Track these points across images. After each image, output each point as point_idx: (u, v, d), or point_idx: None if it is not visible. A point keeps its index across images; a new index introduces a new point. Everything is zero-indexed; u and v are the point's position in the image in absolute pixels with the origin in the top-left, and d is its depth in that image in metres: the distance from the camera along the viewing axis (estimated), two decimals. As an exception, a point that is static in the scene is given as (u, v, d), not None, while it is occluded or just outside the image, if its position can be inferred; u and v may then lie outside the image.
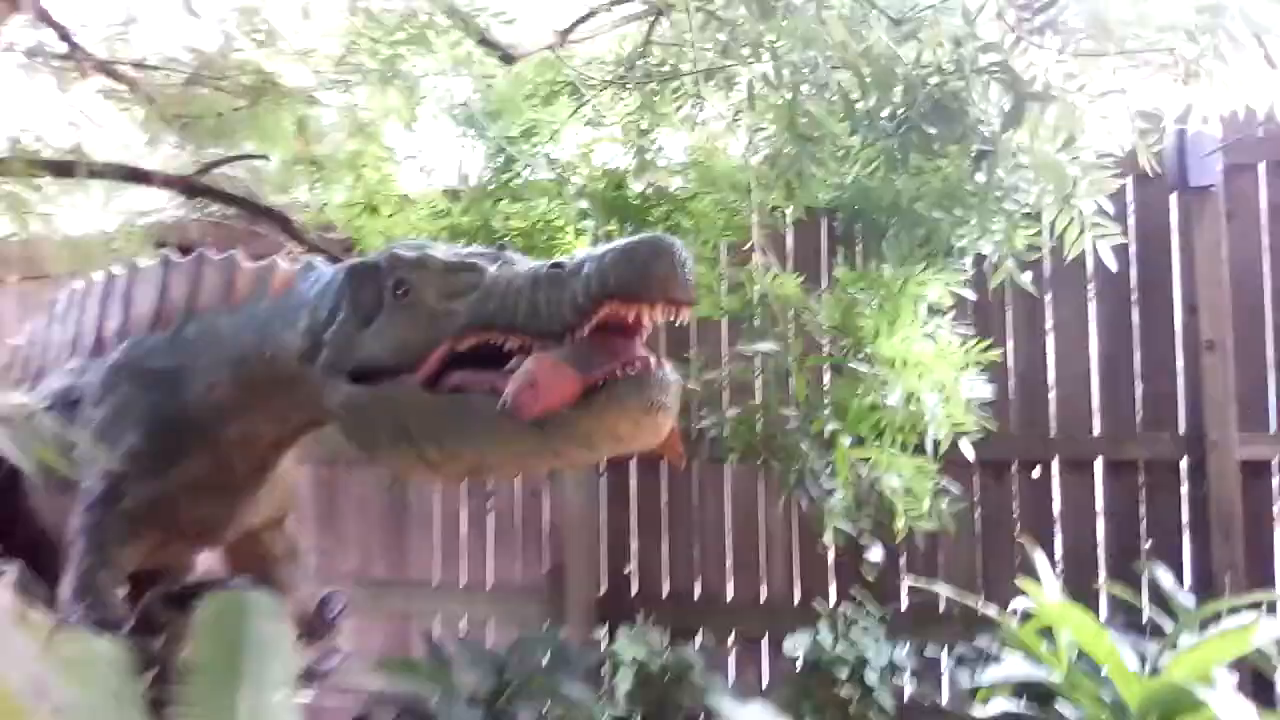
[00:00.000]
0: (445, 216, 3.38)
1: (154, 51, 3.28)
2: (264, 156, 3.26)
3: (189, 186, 3.14)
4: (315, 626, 2.51)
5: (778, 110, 2.19)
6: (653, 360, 1.61)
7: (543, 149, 3.29)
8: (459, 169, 3.38)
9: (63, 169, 2.62)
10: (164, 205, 4.37)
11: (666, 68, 3.15)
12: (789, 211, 3.13)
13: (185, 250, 4.57)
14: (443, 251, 1.91)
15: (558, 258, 1.70)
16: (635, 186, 3.30)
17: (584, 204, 3.29)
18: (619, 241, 1.59)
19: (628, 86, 3.19)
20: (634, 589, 4.37)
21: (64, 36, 3.12)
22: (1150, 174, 2.21)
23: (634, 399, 1.55)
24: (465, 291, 1.77)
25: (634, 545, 4.40)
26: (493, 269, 1.77)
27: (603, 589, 4.40)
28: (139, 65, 3.24)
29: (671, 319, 1.56)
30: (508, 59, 2.79)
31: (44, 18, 2.87)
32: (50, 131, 3.13)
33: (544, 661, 4.00)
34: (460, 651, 3.98)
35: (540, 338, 1.61)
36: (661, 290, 1.51)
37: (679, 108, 3.18)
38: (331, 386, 1.93)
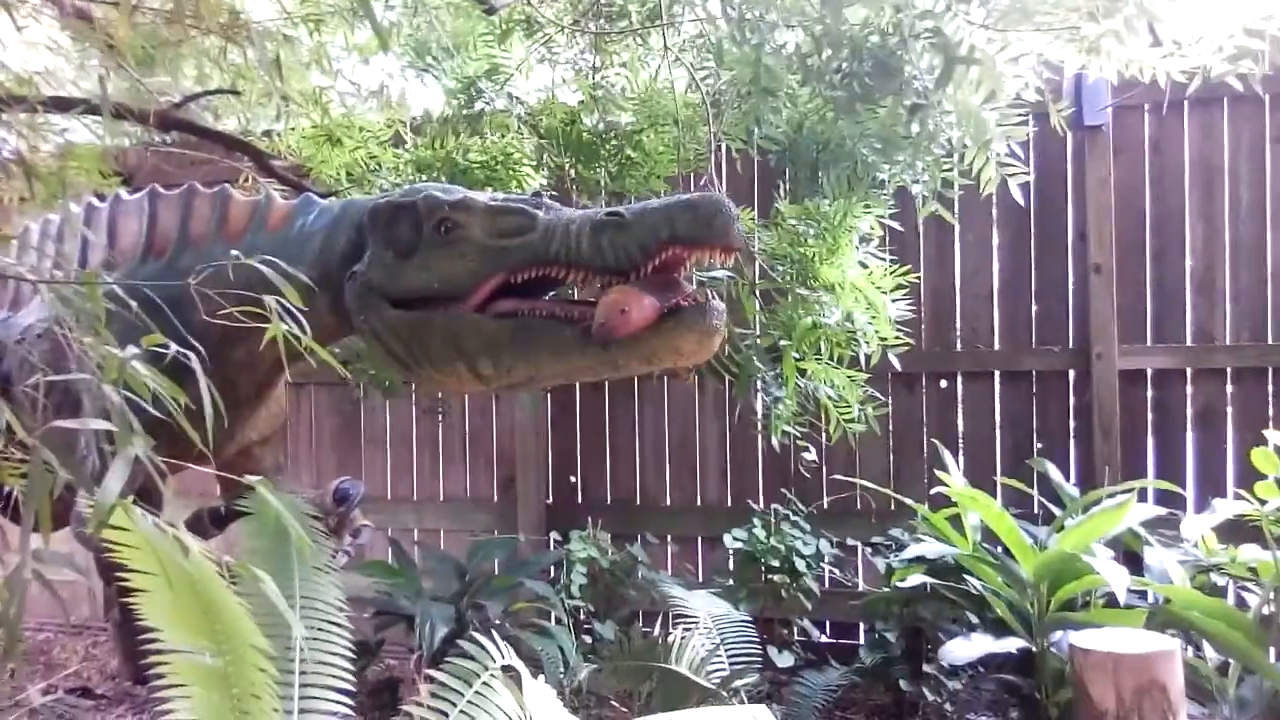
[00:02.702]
0: (407, 149, 3.57)
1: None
2: (236, 92, 3.38)
3: (164, 120, 3.25)
4: (335, 512, 2.76)
5: (740, 64, 2.46)
6: (710, 292, 1.93)
7: (501, 86, 3.49)
8: (420, 104, 3.57)
9: (61, 105, 2.73)
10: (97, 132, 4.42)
11: (615, 8, 3.38)
12: (726, 147, 3.41)
13: (127, 177, 4.65)
14: (482, 195, 2.15)
15: (613, 207, 1.97)
16: (588, 122, 3.54)
17: (540, 139, 3.52)
18: (680, 197, 1.89)
19: (580, 28, 3.41)
20: (580, 497, 4.71)
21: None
22: (1057, 124, 2.55)
23: (700, 323, 1.87)
24: (517, 231, 2.03)
25: (579, 458, 4.73)
26: (542, 214, 2.03)
27: (550, 498, 4.73)
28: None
29: (722, 261, 1.90)
30: (490, 10, 2.99)
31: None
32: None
33: (499, 564, 4.35)
34: (423, 557, 4.29)
35: (605, 273, 1.90)
36: (720, 236, 1.82)
37: (626, 47, 3.43)
38: (374, 310, 2.16)
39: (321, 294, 2.35)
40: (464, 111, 3.52)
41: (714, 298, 1.92)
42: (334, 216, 2.43)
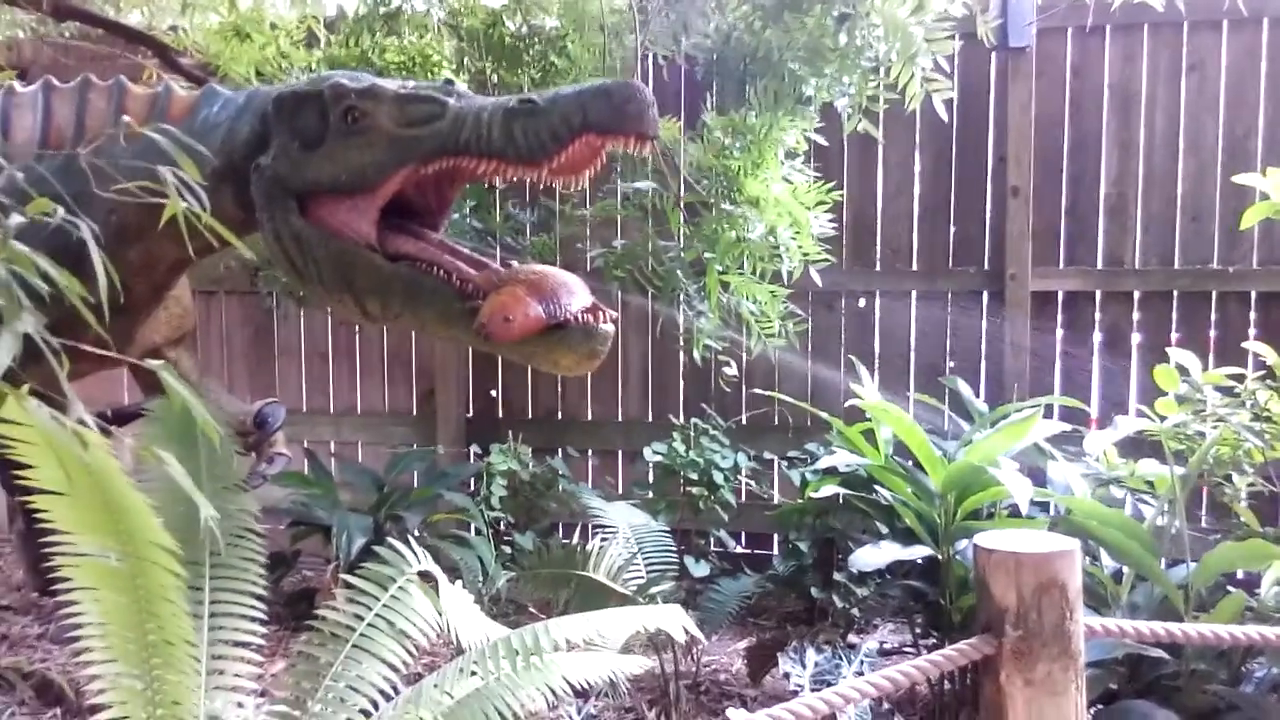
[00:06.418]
0: (320, 48, 3.43)
1: None
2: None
3: (60, 10, 3.05)
4: (255, 436, 2.70)
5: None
6: (602, 314, 1.89)
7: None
8: (335, 1, 3.41)
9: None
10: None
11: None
12: (653, 55, 3.35)
13: (22, 71, 4.39)
14: (391, 83, 2.07)
15: (524, 94, 1.90)
16: (511, 25, 3.43)
17: (461, 41, 3.40)
18: (594, 83, 1.82)
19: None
20: (500, 411, 4.70)
21: None
22: (983, 39, 2.55)
23: (582, 346, 1.86)
24: (426, 120, 1.95)
25: (500, 371, 4.70)
26: (453, 101, 1.95)
27: (470, 412, 4.70)
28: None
29: (638, 151, 1.84)
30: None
31: None
32: None
33: (418, 476, 4.33)
34: (340, 469, 4.25)
35: (517, 163, 1.84)
36: (634, 125, 1.76)
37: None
38: (280, 208, 2.08)
39: (225, 185, 2.26)
40: (381, 9, 3.39)
41: (605, 321, 1.89)
42: (239, 106, 2.32)
